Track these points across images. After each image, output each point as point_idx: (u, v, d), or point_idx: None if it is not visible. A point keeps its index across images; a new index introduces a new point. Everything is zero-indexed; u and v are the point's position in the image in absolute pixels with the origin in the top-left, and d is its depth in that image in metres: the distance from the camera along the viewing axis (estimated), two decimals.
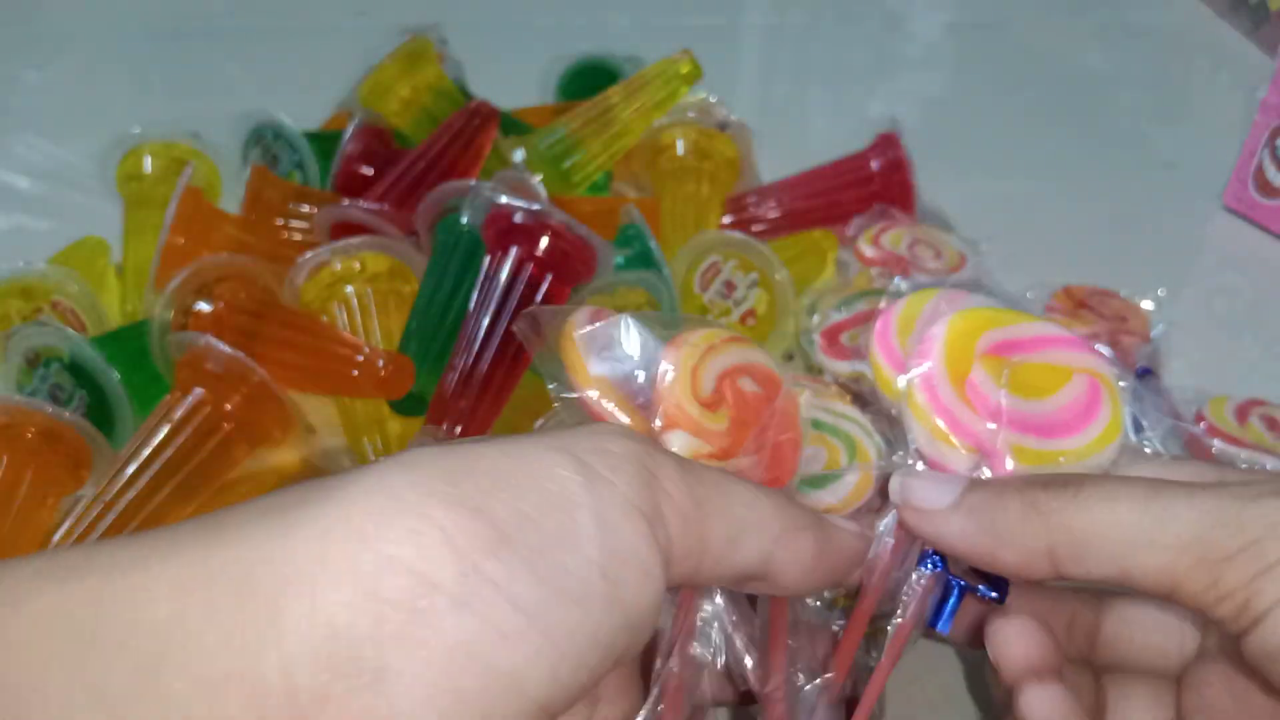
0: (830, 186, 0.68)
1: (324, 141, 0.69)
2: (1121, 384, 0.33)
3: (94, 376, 0.52)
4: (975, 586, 0.33)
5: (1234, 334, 0.66)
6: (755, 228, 0.67)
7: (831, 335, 0.55)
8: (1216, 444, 0.55)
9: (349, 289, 0.57)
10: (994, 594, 0.32)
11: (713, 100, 0.72)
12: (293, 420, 0.52)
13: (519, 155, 0.68)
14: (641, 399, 0.31)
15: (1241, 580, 0.26)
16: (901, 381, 0.33)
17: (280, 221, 0.63)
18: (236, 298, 0.54)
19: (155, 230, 0.62)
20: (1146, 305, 0.63)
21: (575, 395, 0.31)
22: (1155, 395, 0.57)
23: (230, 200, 0.68)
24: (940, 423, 0.32)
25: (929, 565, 0.33)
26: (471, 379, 0.52)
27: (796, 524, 0.29)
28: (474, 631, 0.22)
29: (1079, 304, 0.64)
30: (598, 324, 0.32)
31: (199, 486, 0.50)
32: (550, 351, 0.32)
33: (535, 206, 0.54)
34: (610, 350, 0.31)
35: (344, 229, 0.59)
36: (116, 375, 0.51)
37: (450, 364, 0.52)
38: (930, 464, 0.33)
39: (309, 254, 0.56)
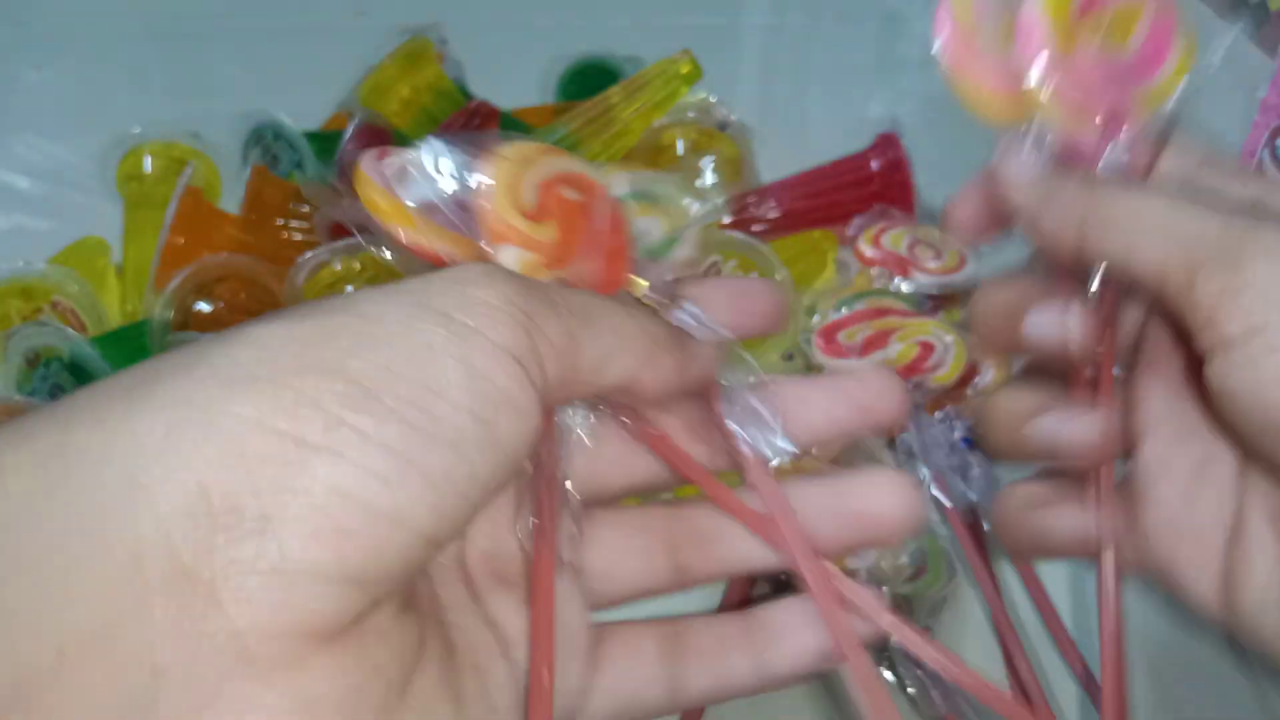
0: (830, 186, 0.69)
1: (324, 141, 0.69)
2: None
3: (94, 376, 0.52)
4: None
5: None
6: (755, 228, 0.67)
7: (829, 334, 0.55)
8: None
9: (349, 289, 0.57)
10: None
11: (713, 100, 0.72)
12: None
13: None
14: (461, 223, 0.30)
15: (1211, 292, 0.28)
16: (1032, 81, 0.33)
17: (280, 221, 0.63)
18: (236, 298, 0.55)
19: (155, 230, 0.62)
20: None
21: (393, 243, 0.31)
22: None
23: (230, 200, 0.68)
24: (1076, 101, 0.32)
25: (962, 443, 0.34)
26: None
27: (660, 344, 0.30)
28: (351, 477, 0.23)
29: None
30: (392, 155, 0.31)
31: None
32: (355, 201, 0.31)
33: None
34: (413, 179, 0.30)
35: (345, 229, 0.59)
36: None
37: None
38: (1069, 150, 0.33)
39: (309, 254, 0.56)
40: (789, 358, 0.60)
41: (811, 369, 0.57)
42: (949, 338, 0.54)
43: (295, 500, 0.22)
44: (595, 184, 0.33)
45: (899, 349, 0.53)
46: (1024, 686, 0.44)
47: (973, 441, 0.52)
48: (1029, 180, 0.33)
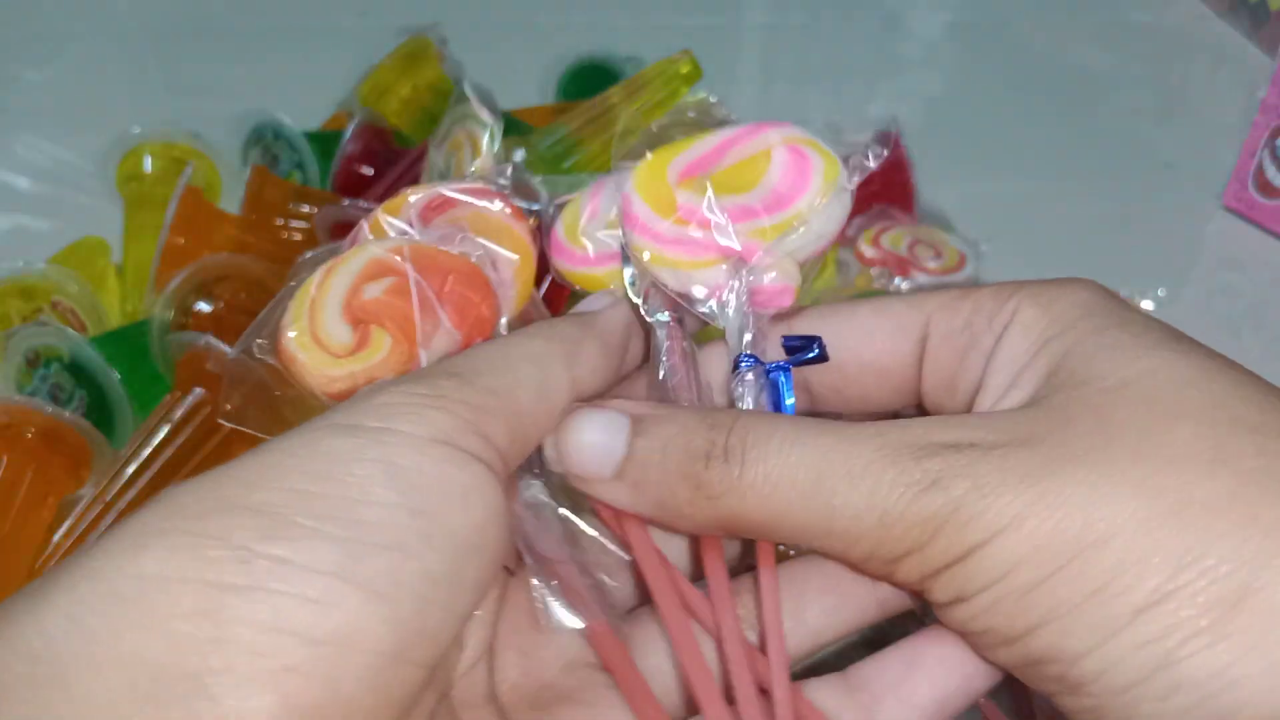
0: None
1: (324, 141, 0.69)
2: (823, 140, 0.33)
3: (94, 376, 0.52)
4: (791, 361, 0.32)
5: (1234, 334, 0.66)
6: None
7: None
8: None
9: None
10: (813, 353, 0.31)
11: (713, 100, 0.72)
12: (292, 421, 0.51)
13: (519, 155, 0.68)
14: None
15: (911, 579, 0.26)
16: (621, 265, 0.33)
17: (280, 221, 0.63)
18: (237, 298, 0.54)
19: (155, 230, 0.62)
20: (1147, 305, 0.64)
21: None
22: None
23: (230, 200, 0.68)
24: (676, 254, 0.32)
25: (745, 363, 0.31)
26: None
27: (573, 340, 0.29)
28: (280, 608, 0.21)
29: None
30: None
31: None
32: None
33: (534, 206, 0.54)
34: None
35: (344, 229, 0.59)
36: (116, 375, 0.51)
37: None
38: (686, 299, 0.32)
39: (309, 254, 0.56)
40: None
41: None
42: None
43: (229, 649, 0.21)
44: (396, 250, 0.32)
45: None
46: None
47: None
48: (610, 477, 0.28)
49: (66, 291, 0.58)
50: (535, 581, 0.28)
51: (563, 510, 0.31)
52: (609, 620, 0.28)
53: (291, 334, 0.31)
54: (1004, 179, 0.81)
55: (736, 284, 0.32)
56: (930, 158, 0.68)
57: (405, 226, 0.34)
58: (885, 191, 0.66)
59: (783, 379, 0.31)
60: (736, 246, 0.32)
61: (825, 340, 0.32)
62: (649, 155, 0.33)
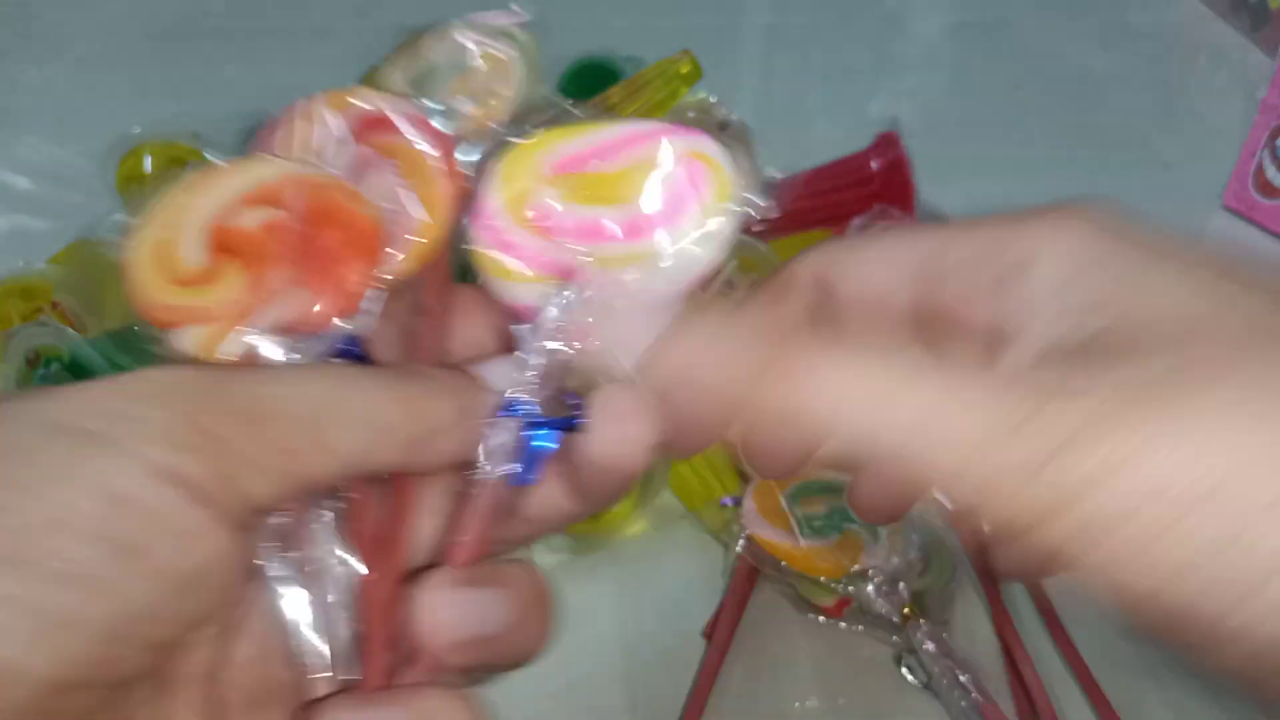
0: (830, 187, 0.69)
1: None
2: (729, 161, 0.29)
3: (94, 376, 0.52)
4: (551, 424, 0.28)
5: None
6: (755, 228, 0.67)
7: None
8: None
9: None
10: (572, 422, 0.27)
11: (713, 100, 0.72)
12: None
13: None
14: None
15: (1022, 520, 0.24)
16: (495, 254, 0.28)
17: None
18: None
19: None
20: None
21: None
22: None
23: None
24: (509, 261, 0.28)
25: (506, 413, 0.27)
26: None
27: (392, 405, 0.26)
28: None
29: None
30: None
31: None
32: None
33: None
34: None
35: None
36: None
37: None
38: (517, 312, 0.28)
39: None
40: None
41: None
42: None
43: None
44: (290, 181, 0.28)
45: None
46: (1024, 682, 0.44)
47: None
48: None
49: (66, 291, 0.58)
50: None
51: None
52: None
53: (139, 238, 0.26)
54: (1004, 179, 0.81)
55: (544, 313, 0.27)
56: (930, 158, 0.68)
57: (338, 132, 0.30)
58: (885, 192, 0.66)
59: (535, 443, 0.27)
60: (577, 266, 0.28)
61: (830, 275, 0.30)
62: (536, 134, 0.29)
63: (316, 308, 0.27)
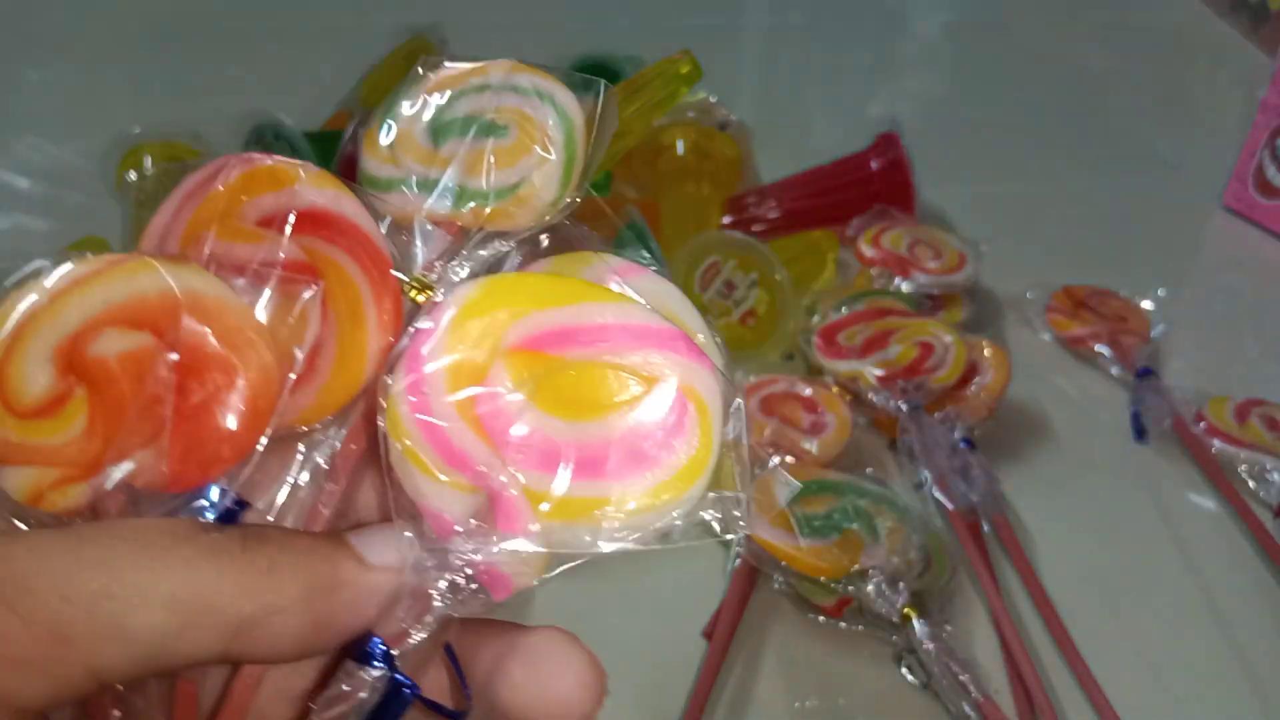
0: (830, 186, 0.69)
1: (324, 142, 0.69)
2: (734, 406, 0.22)
3: None
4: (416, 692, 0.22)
5: (1234, 334, 0.66)
6: (755, 228, 0.67)
7: (829, 334, 0.55)
8: (1216, 444, 0.55)
9: None
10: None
11: (713, 100, 0.72)
12: None
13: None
14: None
15: None
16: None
17: None
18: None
19: None
20: (1146, 305, 0.64)
21: None
22: (1155, 395, 0.57)
23: None
24: (426, 448, 0.21)
25: (372, 650, 0.22)
26: None
27: (217, 589, 0.20)
28: None
29: (1079, 304, 0.64)
30: None
31: None
32: None
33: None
34: None
35: None
36: None
37: None
38: (421, 511, 0.22)
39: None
40: (789, 358, 0.60)
41: (812, 370, 0.57)
42: (948, 338, 0.54)
43: None
44: (164, 302, 0.21)
45: (899, 350, 0.53)
46: (1024, 681, 0.44)
47: (972, 442, 0.52)
48: None
49: None
50: None
51: None
52: None
53: None
54: (1004, 179, 0.81)
55: (455, 539, 0.21)
56: (930, 158, 0.69)
57: (267, 213, 0.23)
58: (885, 192, 0.66)
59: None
60: (502, 488, 0.21)
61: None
62: (473, 287, 0.22)
63: (170, 466, 0.21)
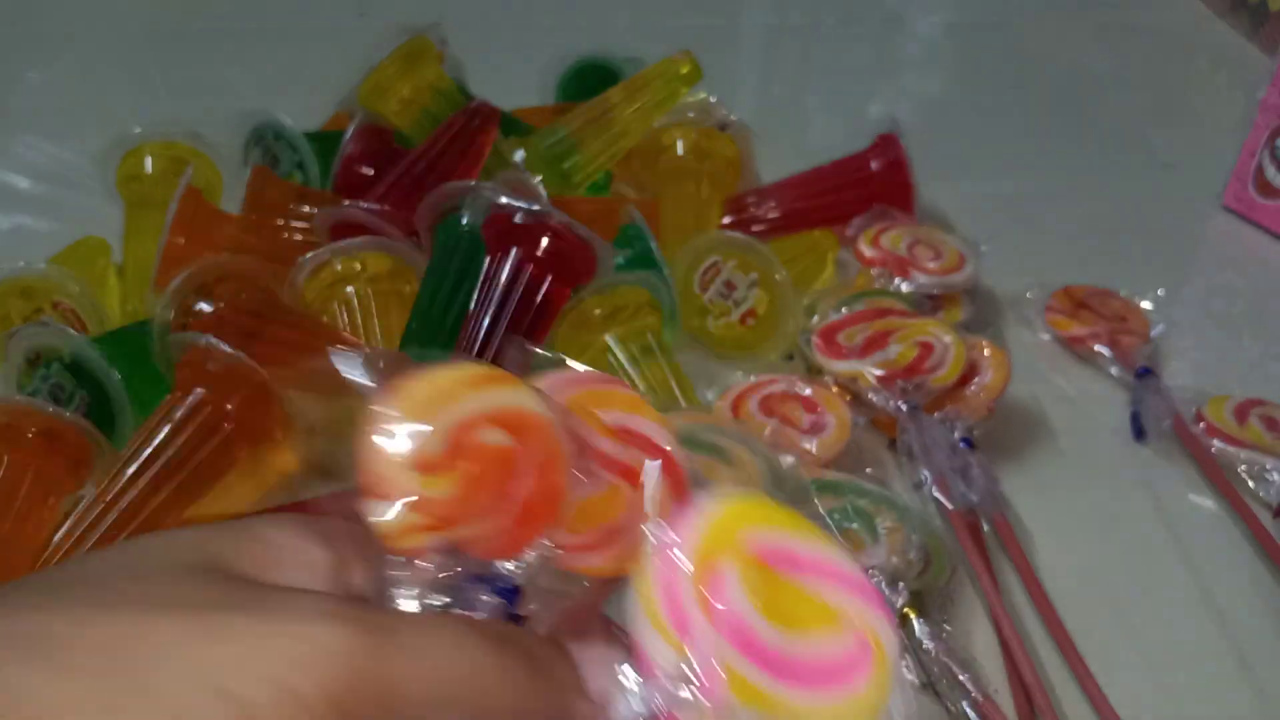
0: (830, 187, 0.69)
1: (324, 142, 0.69)
2: (901, 664, 0.27)
3: (95, 376, 0.52)
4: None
5: (1233, 334, 0.66)
6: (755, 228, 0.67)
7: (828, 335, 0.55)
8: (1216, 444, 0.55)
9: (350, 289, 0.57)
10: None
11: (713, 100, 0.72)
12: (293, 421, 0.52)
13: (519, 156, 0.68)
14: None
15: None
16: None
17: (281, 222, 0.63)
18: (237, 298, 0.54)
19: (156, 230, 0.62)
20: (1146, 305, 0.64)
21: None
22: (1155, 395, 0.57)
23: (231, 201, 0.68)
24: (664, 610, 0.26)
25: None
26: None
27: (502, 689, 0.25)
28: None
29: (1078, 304, 0.64)
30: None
31: (199, 486, 0.50)
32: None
33: (535, 207, 0.54)
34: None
35: (345, 229, 0.60)
36: (117, 375, 0.51)
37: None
38: (633, 648, 0.26)
39: (310, 254, 0.56)
40: (789, 358, 0.60)
41: (812, 370, 0.57)
42: (948, 338, 0.54)
43: None
44: (539, 421, 0.27)
45: (899, 350, 0.53)
46: (1023, 681, 0.44)
47: (971, 442, 0.52)
48: None
49: (67, 292, 0.58)
50: None
51: None
52: None
53: (393, 413, 0.26)
54: (1004, 179, 0.81)
55: (657, 683, 0.26)
56: (930, 158, 0.68)
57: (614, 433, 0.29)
58: (885, 192, 0.66)
59: None
60: (710, 664, 0.25)
61: None
62: (732, 498, 0.27)
63: (494, 540, 0.27)
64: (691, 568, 0.26)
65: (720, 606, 0.26)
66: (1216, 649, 0.47)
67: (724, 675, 0.25)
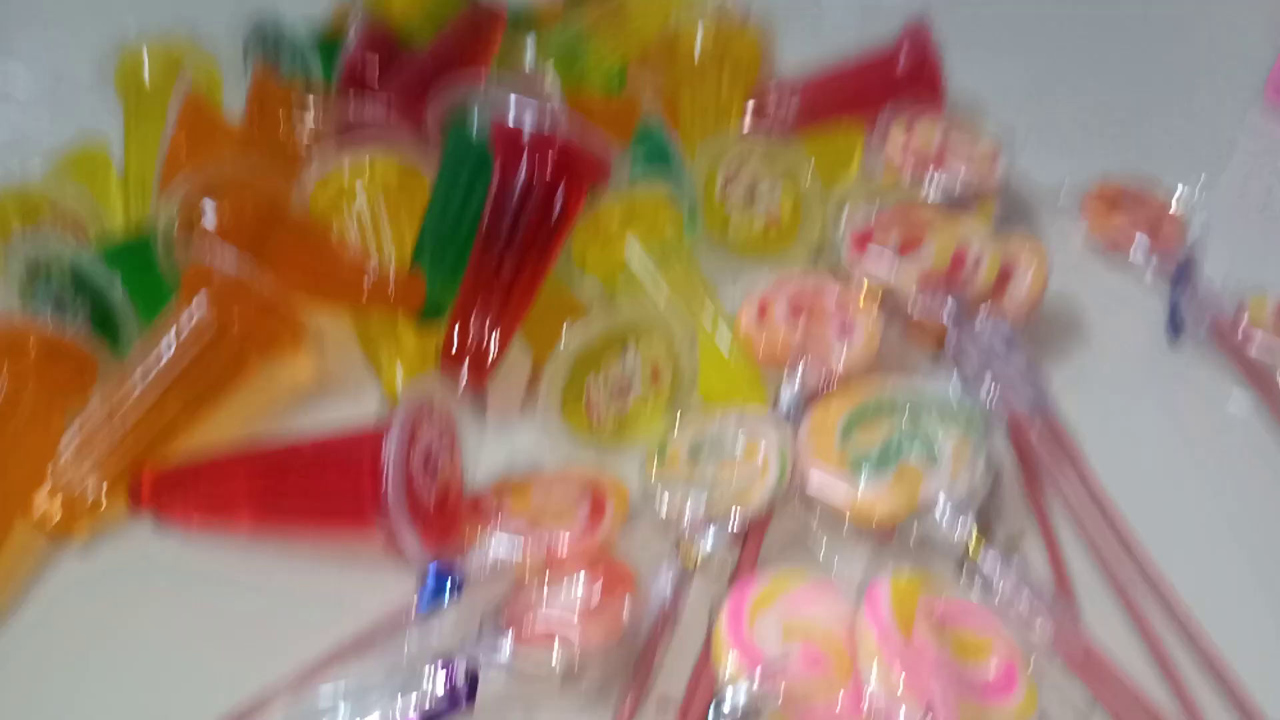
0: (856, 86, 0.66)
1: (327, 42, 0.66)
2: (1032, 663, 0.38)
3: (97, 287, 0.50)
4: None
5: (1274, 231, 0.64)
6: (777, 127, 0.64)
7: (860, 239, 0.53)
8: (1259, 337, 0.53)
9: (359, 194, 0.55)
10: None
11: None
12: (302, 331, 0.50)
13: (530, 53, 0.65)
14: None
15: None
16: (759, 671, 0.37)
17: (285, 123, 0.60)
18: (242, 205, 0.52)
19: (157, 135, 0.60)
20: (1183, 201, 0.61)
21: None
22: (1192, 293, 0.55)
23: (233, 103, 0.65)
24: (898, 677, 0.36)
25: None
26: (492, 288, 0.50)
27: None
28: None
29: (1113, 202, 0.62)
30: None
31: (209, 398, 0.49)
32: None
33: (546, 110, 0.52)
34: None
35: (350, 129, 0.57)
36: (120, 285, 0.50)
37: (467, 275, 0.50)
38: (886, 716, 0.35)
39: (317, 159, 0.54)
40: (816, 263, 0.58)
41: (839, 273, 0.55)
42: (982, 239, 0.52)
43: None
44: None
45: (933, 253, 0.51)
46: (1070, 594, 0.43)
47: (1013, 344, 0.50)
48: None
49: (67, 200, 0.56)
50: None
51: None
52: None
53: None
54: (1037, 63, 0.77)
55: None
56: (959, 41, 0.65)
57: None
58: (914, 89, 0.63)
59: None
60: (946, 705, 0.35)
61: None
62: (895, 582, 0.38)
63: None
64: (902, 638, 0.36)
65: (931, 660, 0.36)
66: (1257, 551, 0.46)
67: (958, 711, 0.35)
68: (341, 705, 0.38)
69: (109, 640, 0.42)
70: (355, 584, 0.43)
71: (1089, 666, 0.39)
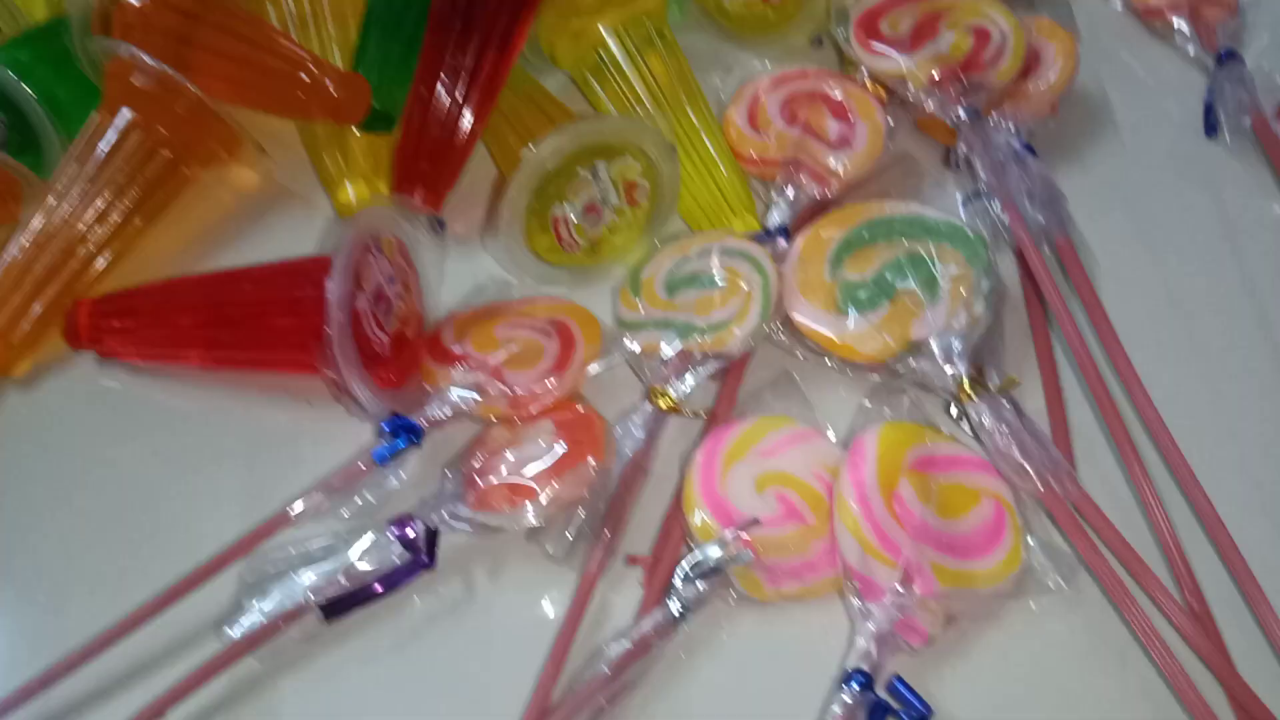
0: None
1: None
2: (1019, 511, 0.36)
3: (10, 97, 0.45)
4: (898, 711, 0.33)
5: None
6: None
7: (869, 22, 0.47)
8: None
9: None
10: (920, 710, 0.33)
11: None
12: (238, 138, 0.45)
13: None
14: None
15: None
16: (729, 534, 0.35)
17: None
18: None
19: None
20: None
21: None
22: (1236, 83, 0.49)
23: None
24: (874, 539, 0.34)
25: (856, 680, 0.33)
26: (450, 86, 0.44)
27: None
28: None
29: None
30: None
31: (150, 211, 0.45)
32: None
33: None
34: None
35: None
36: (33, 95, 0.44)
37: (417, 71, 0.45)
38: (856, 577, 0.34)
39: None
40: (818, 43, 0.52)
41: (846, 64, 0.49)
42: (1006, 22, 0.46)
43: None
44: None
45: (951, 39, 0.45)
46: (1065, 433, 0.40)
47: (1031, 148, 0.45)
48: None
49: None
50: None
51: None
52: None
53: None
54: None
55: (888, 600, 0.33)
56: None
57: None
58: None
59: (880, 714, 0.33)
60: (921, 566, 0.34)
61: None
62: (883, 432, 0.36)
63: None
64: (880, 495, 0.35)
65: (912, 521, 0.34)
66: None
67: (932, 573, 0.34)
68: (298, 566, 0.36)
69: (58, 478, 0.41)
70: (313, 425, 0.41)
71: (1080, 523, 0.37)
